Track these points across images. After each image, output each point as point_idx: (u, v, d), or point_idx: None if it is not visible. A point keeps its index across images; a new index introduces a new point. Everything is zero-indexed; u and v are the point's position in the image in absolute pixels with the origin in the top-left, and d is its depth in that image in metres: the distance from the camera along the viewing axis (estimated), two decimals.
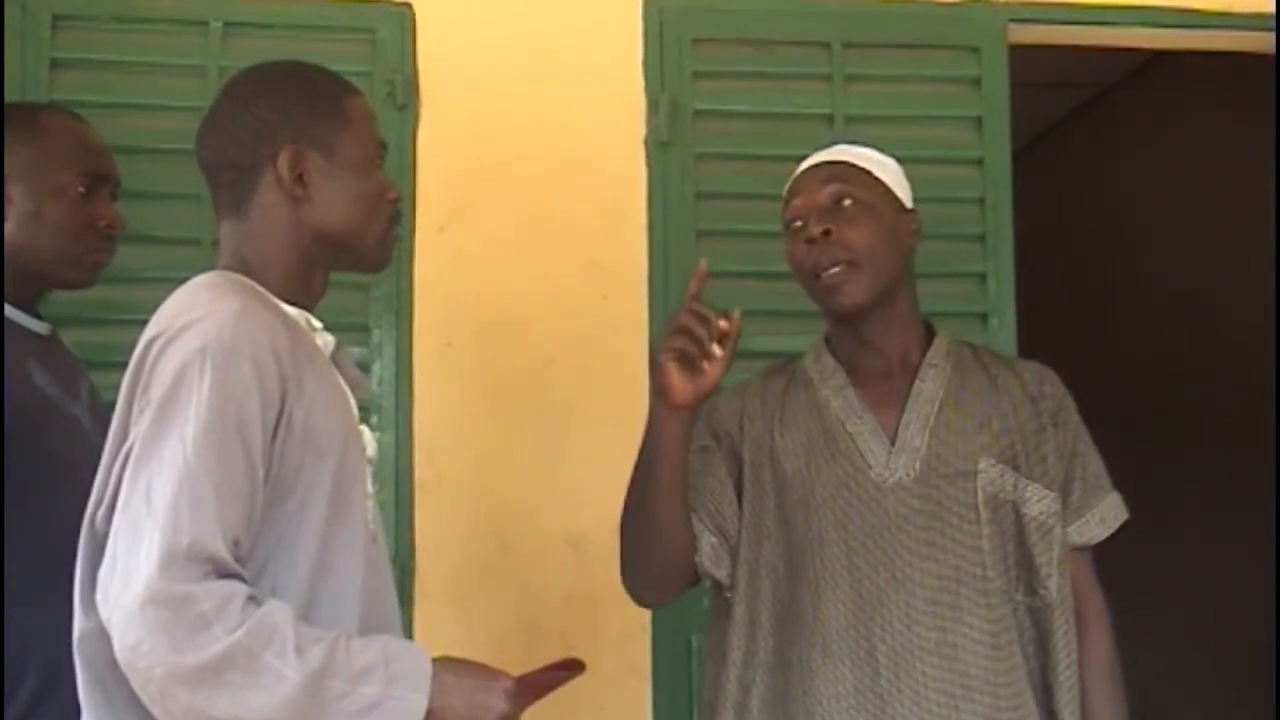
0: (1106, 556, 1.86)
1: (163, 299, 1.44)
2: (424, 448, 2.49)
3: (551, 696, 1.48)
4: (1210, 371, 4.34)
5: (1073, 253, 5.09)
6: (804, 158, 1.88)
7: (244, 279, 1.47)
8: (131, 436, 1.34)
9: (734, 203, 2.59)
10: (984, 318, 2.63)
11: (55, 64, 2.47)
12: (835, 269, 1.75)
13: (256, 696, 1.24)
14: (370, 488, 1.52)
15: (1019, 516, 1.76)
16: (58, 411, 1.83)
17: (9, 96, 2.36)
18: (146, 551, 1.25)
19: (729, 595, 1.79)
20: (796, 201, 1.82)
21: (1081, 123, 5.13)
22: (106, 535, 1.31)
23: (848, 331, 1.84)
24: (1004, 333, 2.63)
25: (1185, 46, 2.97)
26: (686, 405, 1.64)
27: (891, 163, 1.86)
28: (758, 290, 2.39)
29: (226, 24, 2.51)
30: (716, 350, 1.61)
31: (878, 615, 1.70)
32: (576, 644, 1.61)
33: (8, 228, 1.84)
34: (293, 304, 1.51)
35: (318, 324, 1.54)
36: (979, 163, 2.67)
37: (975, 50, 2.69)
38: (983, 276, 2.65)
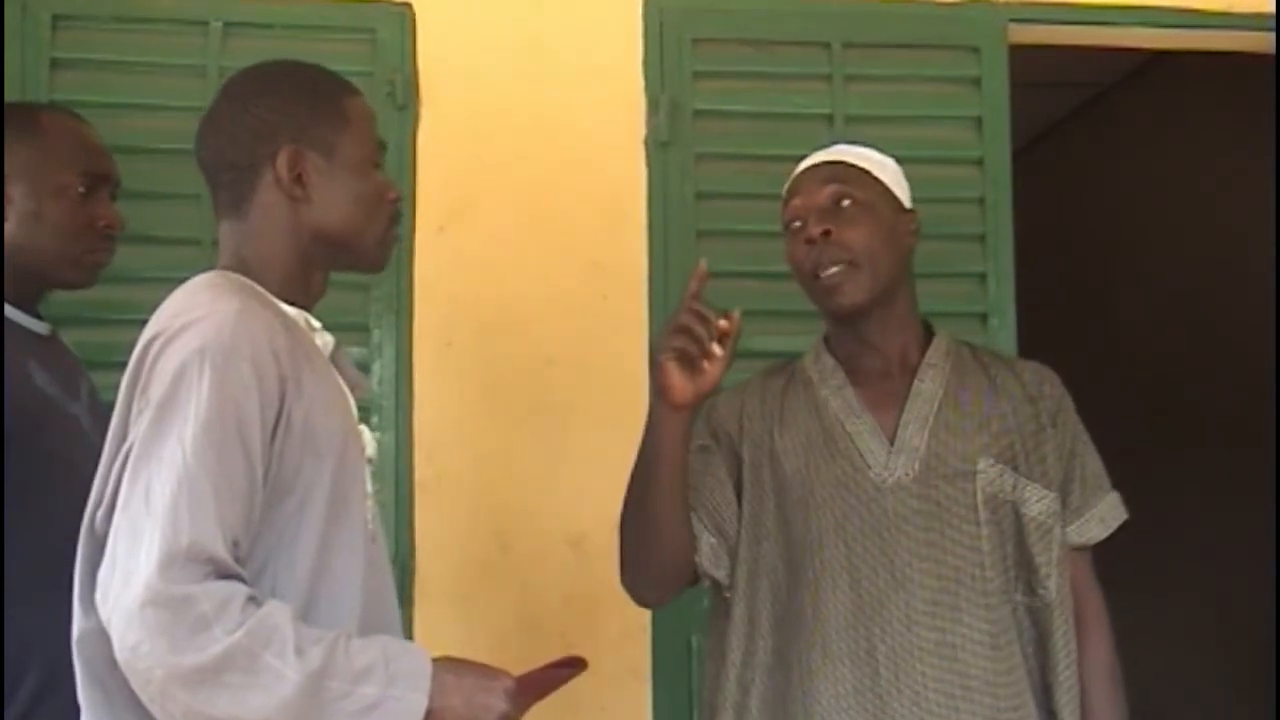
0: (1106, 556, 1.86)
1: (163, 299, 1.44)
2: (424, 448, 2.49)
3: (551, 697, 1.48)
4: (1210, 371, 4.34)
5: (1073, 253, 5.09)
6: (804, 158, 1.88)
7: (243, 279, 1.47)
8: (131, 437, 1.34)
9: (734, 203, 2.59)
10: (984, 318, 2.63)
11: (55, 64, 2.47)
12: (834, 269, 1.75)
13: (256, 697, 1.24)
14: (370, 488, 1.52)
15: (1018, 517, 1.76)
16: (58, 411, 1.83)
17: (9, 96, 2.36)
18: (146, 552, 1.25)
19: (728, 595, 1.79)
20: (796, 202, 1.82)
21: (1081, 123, 5.13)
22: (106, 536, 1.32)
23: (847, 331, 1.83)
24: (1004, 333, 2.62)
25: (1185, 46, 2.97)
26: (686, 405, 1.64)
27: (891, 163, 1.86)
28: (758, 290, 2.39)
29: (226, 24, 2.51)
30: (717, 350, 1.61)
31: (877, 615, 1.70)
32: (576, 644, 1.60)
33: (8, 228, 1.84)
34: (292, 304, 1.51)
35: (317, 324, 1.54)
36: (979, 163, 2.67)
37: (975, 50, 2.69)
38: (983, 276, 2.65)
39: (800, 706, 1.71)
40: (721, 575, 1.78)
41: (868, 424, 1.78)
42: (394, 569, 1.65)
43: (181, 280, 1.46)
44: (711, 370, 1.62)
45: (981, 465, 1.76)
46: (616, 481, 1.75)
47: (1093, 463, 1.84)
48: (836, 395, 1.81)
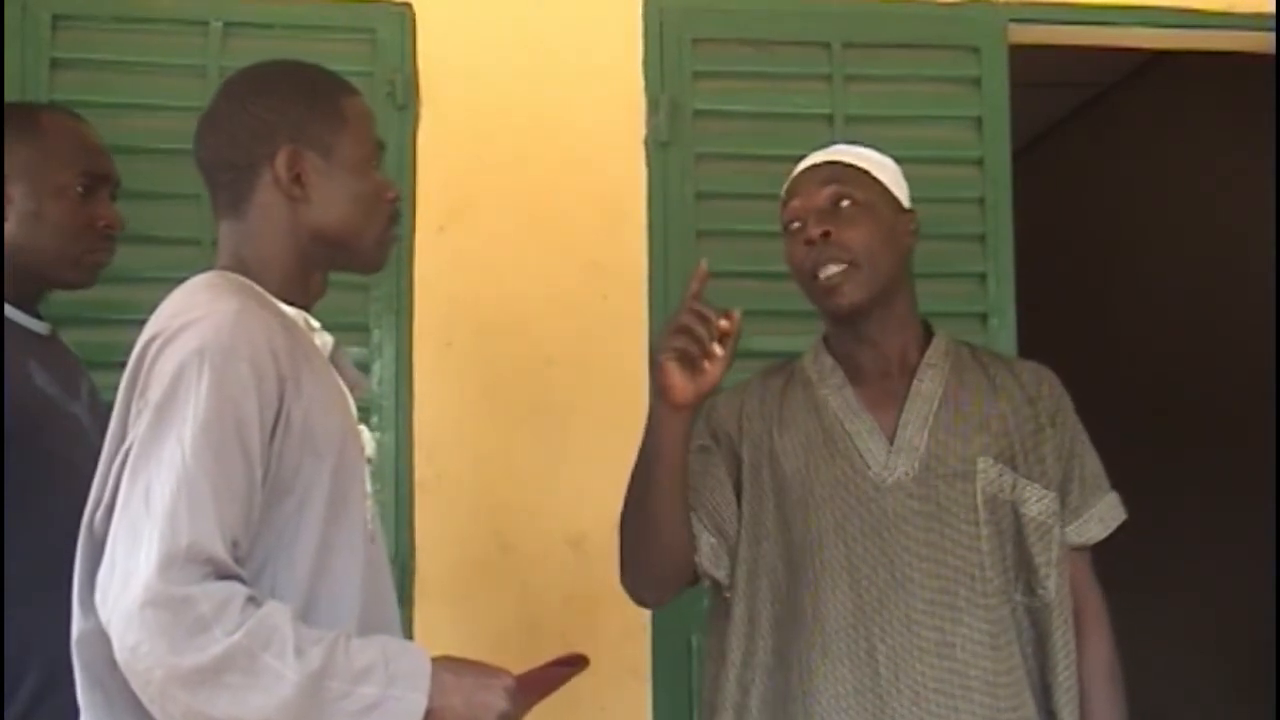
0: (1106, 556, 1.86)
1: (162, 299, 1.44)
2: (424, 448, 2.49)
3: (551, 696, 1.48)
4: (1210, 371, 4.34)
5: (1073, 253, 5.09)
6: (804, 158, 1.88)
7: (242, 279, 1.47)
8: (129, 438, 1.34)
9: (734, 203, 2.59)
10: (984, 318, 2.63)
11: (55, 64, 2.47)
12: (834, 269, 1.75)
13: (256, 698, 1.24)
14: (369, 488, 1.52)
15: (1017, 517, 1.76)
16: (58, 411, 1.83)
17: (9, 96, 2.36)
18: (145, 553, 1.25)
19: (728, 595, 1.79)
20: (795, 203, 1.81)
21: (1081, 123, 5.13)
22: (105, 537, 1.31)
23: (847, 331, 1.83)
24: (1004, 333, 2.62)
25: (1185, 46, 2.97)
26: (687, 405, 1.64)
27: (889, 162, 1.86)
28: (758, 290, 2.39)
29: (226, 24, 2.51)
30: (717, 350, 1.61)
31: (877, 615, 1.70)
32: (576, 644, 1.60)
33: (8, 228, 1.84)
34: (291, 304, 1.50)
35: (316, 324, 1.54)
36: (979, 163, 2.67)
37: (975, 50, 2.69)
38: (983, 276, 2.65)
39: (800, 706, 1.71)
40: (721, 575, 1.78)
41: (867, 424, 1.78)
42: (394, 569, 1.65)
43: (181, 280, 1.46)
44: (712, 370, 1.62)
45: (981, 465, 1.76)
46: (616, 481, 1.75)
47: (1091, 463, 1.84)
48: (836, 395, 1.82)
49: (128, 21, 2.51)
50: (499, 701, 1.38)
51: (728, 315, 1.61)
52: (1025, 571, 1.76)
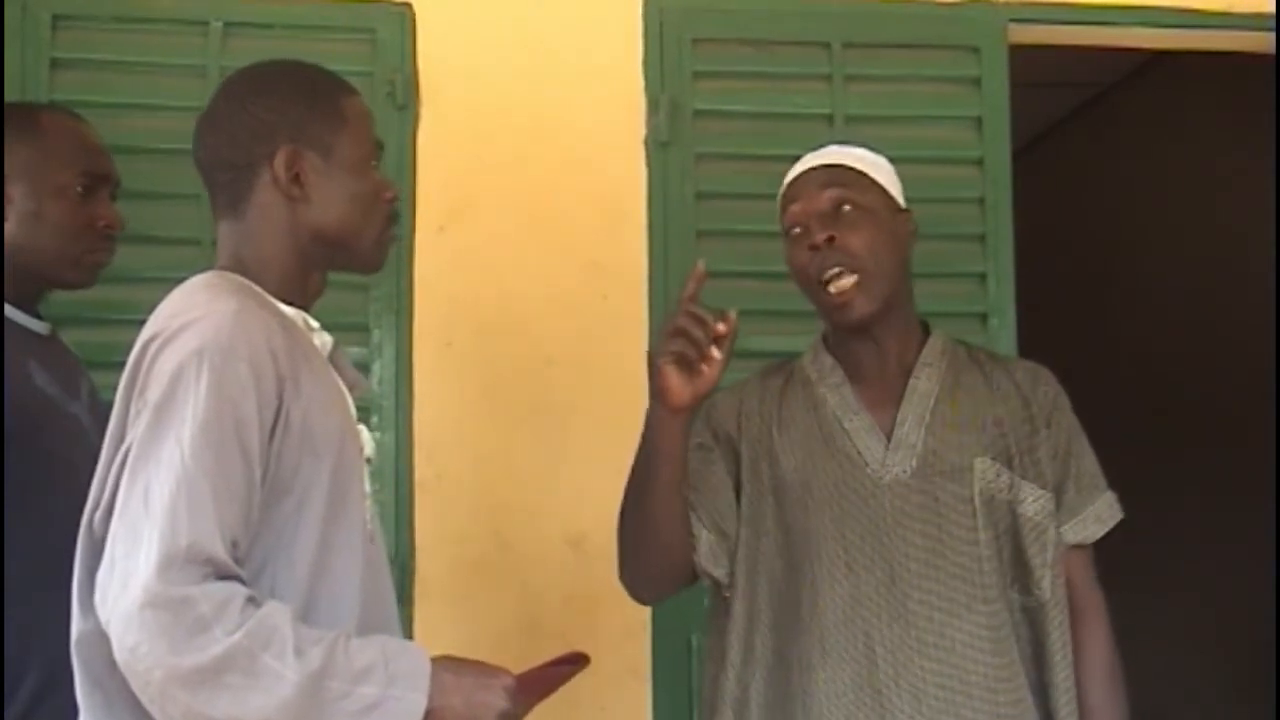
0: (1106, 556, 1.86)
1: (162, 299, 1.44)
2: (424, 448, 2.49)
3: (551, 696, 1.48)
4: (1210, 371, 4.34)
5: (1073, 253, 5.09)
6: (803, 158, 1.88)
7: (241, 279, 1.47)
8: (129, 438, 1.34)
9: (734, 203, 2.59)
10: (984, 318, 2.63)
11: (55, 64, 2.47)
12: (841, 278, 1.74)
13: (256, 698, 1.24)
14: (368, 487, 1.52)
15: (1014, 516, 1.76)
16: (58, 411, 1.83)
17: (9, 96, 2.36)
18: (145, 554, 1.25)
19: (727, 594, 1.79)
20: (795, 208, 1.81)
21: (1081, 123, 5.13)
22: (104, 537, 1.31)
23: (850, 334, 1.83)
24: (1004, 333, 2.62)
25: (1185, 46, 2.97)
26: (684, 407, 1.64)
27: (884, 161, 1.86)
28: (757, 290, 2.39)
29: (226, 24, 2.51)
30: (714, 352, 1.61)
31: (875, 613, 1.70)
32: (576, 644, 1.60)
33: (8, 228, 1.84)
34: (290, 304, 1.50)
35: (315, 324, 1.54)
36: (979, 163, 2.67)
37: (975, 50, 2.69)
38: (983, 276, 2.65)
39: (799, 704, 1.71)
40: (720, 574, 1.78)
41: (865, 422, 1.78)
42: (394, 569, 1.65)
43: (181, 280, 1.46)
44: (709, 372, 1.62)
45: (978, 465, 1.76)
46: (616, 481, 1.75)
47: (1088, 462, 1.84)
48: (834, 393, 1.82)
49: (128, 21, 2.51)
50: (499, 701, 1.38)
51: (724, 317, 1.61)
52: (1021, 571, 1.76)
